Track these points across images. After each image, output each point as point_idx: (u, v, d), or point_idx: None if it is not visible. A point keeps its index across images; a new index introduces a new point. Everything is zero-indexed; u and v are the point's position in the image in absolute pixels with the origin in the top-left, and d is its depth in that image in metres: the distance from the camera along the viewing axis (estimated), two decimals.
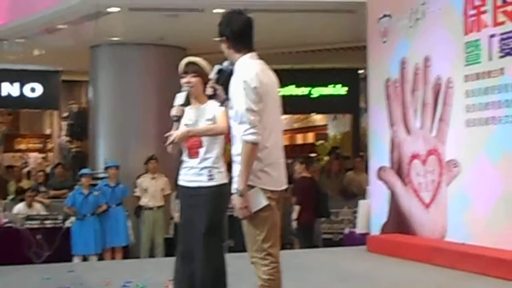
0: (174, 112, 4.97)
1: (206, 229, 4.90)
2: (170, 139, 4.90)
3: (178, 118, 5.00)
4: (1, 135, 19.75)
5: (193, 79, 5.02)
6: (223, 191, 4.91)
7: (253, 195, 4.00)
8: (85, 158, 15.70)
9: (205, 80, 4.95)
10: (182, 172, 5.11)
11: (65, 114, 18.62)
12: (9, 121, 20.10)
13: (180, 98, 5.00)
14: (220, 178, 4.97)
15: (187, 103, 4.99)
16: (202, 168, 4.98)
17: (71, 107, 18.53)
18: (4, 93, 16.51)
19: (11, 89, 16.56)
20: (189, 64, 5.13)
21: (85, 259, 10.49)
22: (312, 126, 20.91)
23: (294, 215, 10.22)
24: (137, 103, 13.03)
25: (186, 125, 5.02)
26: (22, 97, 16.66)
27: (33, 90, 16.71)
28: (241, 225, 4.14)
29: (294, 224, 10.28)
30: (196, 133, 4.97)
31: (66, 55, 14.25)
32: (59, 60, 15.19)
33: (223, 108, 4.80)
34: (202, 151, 4.98)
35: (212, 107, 4.96)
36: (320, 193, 10.77)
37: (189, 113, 5.08)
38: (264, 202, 4.02)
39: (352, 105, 17.34)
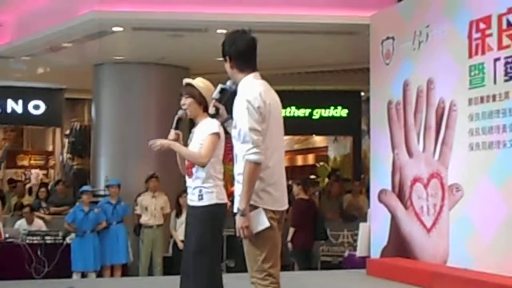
0: (169, 137, 5.08)
1: (195, 249, 4.94)
2: (156, 143, 4.95)
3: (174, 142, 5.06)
4: (4, 151, 19.76)
5: (187, 101, 5.09)
6: (214, 211, 4.95)
7: (255, 216, 3.99)
8: (86, 175, 15.68)
9: (200, 100, 5.04)
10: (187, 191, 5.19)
11: (67, 132, 18.63)
12: (12, 137, 20.11)
13: (174, 122, 5.12)
14: (209, 199, 4.99)
15: (178, 126, 5.06)
16: (194, 188, 5.05)
17: (74, 124, 18.55)
18: (8, 110, 16.61)
19: (15, 106, 16.65)
20: (183, 86, 5.19)
21: (84, 275, 10.45)
22: (313, 147, 20.90)
23: (289, 237, 10.18)
24: (139, 121, 13.03)
25: (186, 145, 5.08)
26: (26, 114, 16.74)
27: (36, 107, 16.79)
28: (242, 245, 4.12)
29: (289, 246, 10.24)
30: (177, 150, 5.02)
31: (70, 73, 14.31)
32: (63, 78, 15.25)
33: (211, 132, 4.84)
34: (194, 170, 5.02)
35: (204, 128, 5.01)
36: (318, 215, 10.71)
37: (192, 133, 5.14)
38: (266, 223, 4.00)
39: (353, 127, 17.32)
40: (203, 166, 4.93)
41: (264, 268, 4.02)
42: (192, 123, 5.24)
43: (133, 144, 12.97)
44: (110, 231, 10.80)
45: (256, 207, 4.00)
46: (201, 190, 4.99)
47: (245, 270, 4.19)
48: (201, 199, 4.99)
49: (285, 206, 4.21)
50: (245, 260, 4.13)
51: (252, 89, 4.06)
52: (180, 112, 5.11)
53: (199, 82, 5.13)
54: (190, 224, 5.09)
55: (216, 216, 4.93)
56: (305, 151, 21.18)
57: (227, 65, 4.23)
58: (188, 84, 5.15)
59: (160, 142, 4.98)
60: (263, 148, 3.97)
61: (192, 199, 5.06)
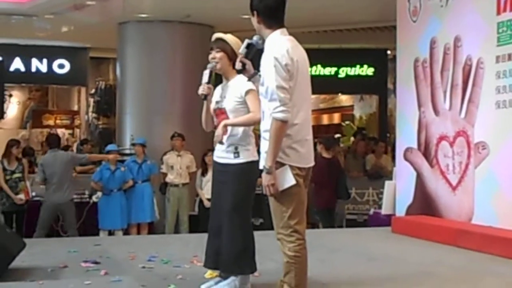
0: (200, 90, 5.01)
1: (232, 206, 4.91)
2: (216, 140, 4.92)
3: (205, 97, 5.03)
4: (29, 111, 19.93)
5: (218, 54, 5.01)
6: (250, 168, 4.88)
7: (281, 173, 3.99)
8: (111, 134, 15.80)
9: (231, 56, 4.96)
10: (215, 148, 5.13)
11: (93, 91, 18.72)
12: (37, 97, 20.25)
13: (205, 76, 5.03)
14: (246, 156, 4.94)
15: (212, 80, 4.99)
16: (229, 145, 4.98)
17: (99, 83, 18.63)
18: (33, 69, 16.69)
19: (39, 65, 16.74)
20: (215, 40, 5.12)
21: (111, 233, 10.58)
22: (338, 106, 20.84)
23: None
24: (163, 80, 13.06)
25: (216, 102, 5.04)
26: (51, 73, 16.86)
27: (61, 66, 16.88)
28: (268, 202, 4.14)
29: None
30: (232, 125, 4.92)
31: (94, 32, 14.31)
32: (87, 36, 15.27)
33: (249, 88, 4.80)
34: (229, 128, 4.95)
35: (239, 84, 4.93)
36: (340, 174, 10.67)
37: (218, 90, 5.11)
38: (292, 180, 4.01)
39: (379, 86, 17.25)
40: (259, 122, 4.79)
41: (290, 225, 4.04)
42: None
43: (158, 103, 13.03)
44: (136, 189, 10.87)
45: (282, 164, 4.00)
46: (237, 148, 4.94)
47: (272, 228, 4.21)
48: (237, 156, 4.94)
49: (311, 163, 4.22)
50: (272, 217, 4.15)
51: (279, 45, 4.03)
52: (210, 65, 5.02)
53: (231, 38, 5.06)
54: (222, 182, 5.01)
55: (252, 174, 4.85)
56: (331, 110, 21.12)
57: (254, 20, 4.19)
58: (220, 39, 5.08)
59: (217, 133, 4.87)
60: (290, 105, 3.96)
61: (225, 156, 4.99)
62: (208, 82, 5.02)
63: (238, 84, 4.95)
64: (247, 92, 4.89)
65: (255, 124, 4.86)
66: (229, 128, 4.95)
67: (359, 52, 16.82)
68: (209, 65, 5.05)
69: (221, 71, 5.06)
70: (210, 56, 5.06)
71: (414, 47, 8.88)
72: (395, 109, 10.26)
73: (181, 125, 12.11)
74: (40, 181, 10.02)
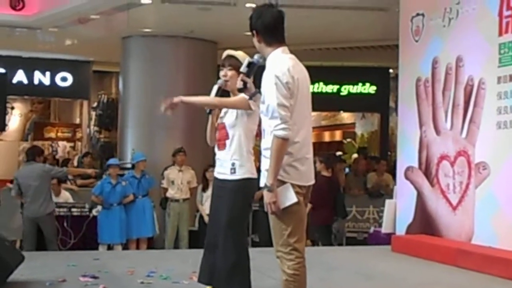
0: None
1: (227, 222, 4.91)
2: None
3: (210, 111, 5.04)
4: (31, 123, 19.95)
5: (229, 73, 5.02)
6: (246, 185, 4.90)
7: (283, 191, 3.99)
8: (113, 148, 15.80)
9: None
10: (216, 164, 5.14)
11: (95, 104, 18.75)
12: (39, 109, 20.29)
13: (213, 90, 5.04)
14: (242, 172, 4.94)
15: (219, 95, 5.01)
16: (226, 161, 4.99)
17: (101, 97, 18.66)
18: (36, 81, 16.70)
19: (42, 77, 16.75)
20: (227, 57, 5.12)
21: (110, 247, 10.56)
22: (340, 124, 20.86)
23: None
24: (166, 95, 12.87)
25: (220, 117, 5.06)
26: (53, 86, 16.85)
27: (64, 79, 16.89)
28: (267, 219, 4.14)
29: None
30: (188, 102, 4.99)
31: (98, 46, 14.37)
32: (90, 50, 15.32)
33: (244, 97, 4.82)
34: (228, 143, 4.98)
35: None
36: (338, 193, 10.67)
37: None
38: (294, 198, 4.01)
39: (381, 104, 17.27)
40: (214, 106, 4.91)
41: (289, 243, 4.04)
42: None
43: (160, 117, 12.86)
44: (136, 204, 10.85)
45: (283, 182, 4.00)
46: (234, 164, 4.93)
47: (270, 245, 4.21)
48: (234, 172, 4.93)
49: (311, 181, 4.21)
50: (271, 234, 4.15)
51: (280, 64, 4.05)
52: (220, 82, 5.03)
53: (242, 55, 5.02)
54: (220, 197, 5.03)
55: (248, 191, 4.88)
56: (332, 128, 21.14)
57: (255, 40, 4.22)
58: (232, 56, 5.09)
59: (164, 103, 4.92)
60: (291, 123, 3.97)
61: (223, 172, 5.00)
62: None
63: None
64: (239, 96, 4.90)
65: (207, 107, 5.02)
66: (228, 144, 4.97)
67: (361, 70, 16.86)
68: (219, 81, 5.06)
69: (229, 88, 5.06)
70: (222, 73, 5.08)
71: (416, 67, 8.90)
72: (397, 128, 10.26)
73: (183, 140, 12.12)
74: (15, 194, 9.73)
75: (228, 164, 4.96)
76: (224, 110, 5.07)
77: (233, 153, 4.95)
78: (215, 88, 5.04)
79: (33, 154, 9.86)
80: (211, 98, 5.00)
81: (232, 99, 4.97)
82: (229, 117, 5.00)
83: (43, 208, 9.49)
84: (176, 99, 4.91)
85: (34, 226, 9.57)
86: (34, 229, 9.59)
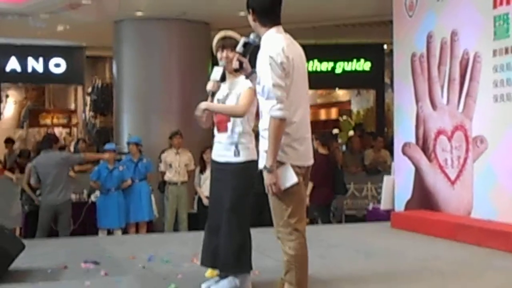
0: (209, 87, 4.95)
1: (230, 205, 4.90)
2: (198, 113, 4.90)
3: (213, 93, 4.99)
4: (26, 110, 19.90)
5: (231, 54, 4.92)
6: (249, 167, 4.86)
7: (283, 172, 3.98)
8: (109, 133, 15.76)
9: None
10: (214, 146, 5.11)
11: (89, 90, 18.69)
12: (34, 96, 20.24)
13: (217, 73, 4.94)
14: (246, 155, 4.92)
15: (223, 78, 4.96)
16: (229, 143, 4.96)
17: (95, 82, 18.60)
18: (29, 69, 16.64)
19: (35, 64, 16.69)
20: (226, 38, 5.06)
21: (109, 232, 10.56)
22: (335, 101, 20.84)
23: (307, 192, 10.13)
24: (160, 78, 13.03)
25: (218, 99, 5.01)
26: (47, 72, 16.79)
27: (57, 65, 16.83)
28: (268, 200, 4.13)
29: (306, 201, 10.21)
30: (212, 110, 4.93)
31: (90, 31, 14.28)
32: (83, 35, 15.24)
33: (248, 86, 4.78)
34: (229, 125, 4.95)
35: (243, 82, 4.89)
36: (337, 170, 10.67)
37: (223, 87, 5.06)
38: (294, 179, 3.99)
39: (376, 81, 17.27)
40: (241, 116, 4.82)
41: (290, 223, 4.04)
42: None
43: (155, 101, 13.01)
44: (133, 188, 10.82)
45: (282, 163, 3.99)
46: (237, 146, 4.91)
47: (269, 225, 4.21)
48: (237, 155, 4.91)
49: (310, 161, 4.21)
50: (271, 215, 4.15)
51: (274, 44, 4.02)
52: (222, 63, 4.96)
53: (238, 36, 4.94)
54: (219, 181, 5.00)
55: (251, 172, 4.80)
56: (328, 105, 21.13)
57: (250, 18, 4.18)
58: (231, 38, 5.02)
59: (197, 113, 4.88)
60: (288, 103, 3.95)
61: (225, 155, 4.96)
62: (219, 81, 4.96)
63: (242, 83, 4.92)
64: (245, 89, 4.87)
65: (237, 115, 4.87)
66: (230, 126, 4.95)
67: (356, 47, 16.83)
68: (221, 63, 4.99)
69: (230, 70, 4.99)
70: (223, 55, 5.00)
71: (411, 42, 8.88)
72: (393, 104, 10.24)
73: (179, 123, 12.09)
74: (34, 183, 9.84)
75: (231, 146, 4.94)
76: (223, 92, 5.03)
77: (237, 135, 4.93)
78: (220, 70, 4.93)
79: (49, 142, 9.97)
80: (237, 106, 4.88)
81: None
82: (231, 99, 4.97)
83: (62, 195, 9.64)
84: (202, 108, 4.86)
85: (51, 214, 9.68)
86: (50, 217, 9.71)
